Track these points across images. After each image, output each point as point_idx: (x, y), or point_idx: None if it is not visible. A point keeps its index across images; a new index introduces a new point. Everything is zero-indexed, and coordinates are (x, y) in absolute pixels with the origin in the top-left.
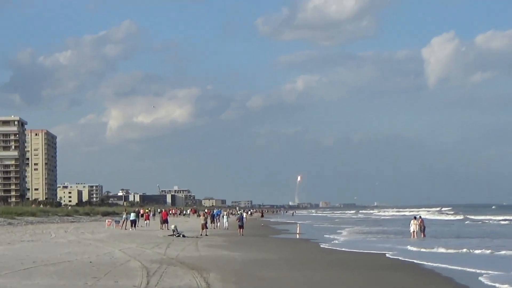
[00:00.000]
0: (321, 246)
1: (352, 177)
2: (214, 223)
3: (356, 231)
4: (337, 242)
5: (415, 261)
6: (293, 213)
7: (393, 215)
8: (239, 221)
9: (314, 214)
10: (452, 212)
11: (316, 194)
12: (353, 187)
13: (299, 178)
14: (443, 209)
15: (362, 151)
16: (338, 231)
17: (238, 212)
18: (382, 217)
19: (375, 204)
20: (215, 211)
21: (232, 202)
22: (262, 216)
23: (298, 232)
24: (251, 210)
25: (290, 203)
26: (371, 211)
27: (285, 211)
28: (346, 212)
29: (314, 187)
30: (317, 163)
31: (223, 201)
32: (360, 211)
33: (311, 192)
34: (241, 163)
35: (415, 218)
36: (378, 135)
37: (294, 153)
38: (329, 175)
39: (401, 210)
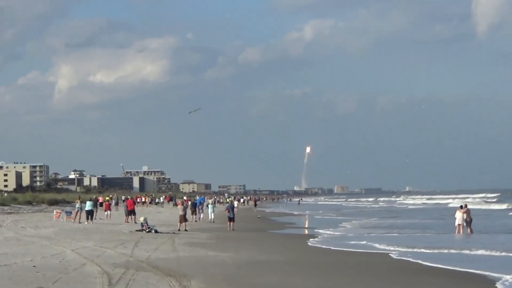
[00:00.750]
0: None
1: (377, 153)
2: (196, 214)
3: (361, 225)
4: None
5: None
6: (299, 201)
7: (424, 203)
8: (228, 212)
9: (322, 202)
10: (495, 200)
11: (330, 176)
12: (378, 167)
13: (308, 150)
14: (489, 195)
15: (390, 120)
16: (340, 224)
17: (228, 200)
18: (410, 206)
19: (407, 189)
20: (197, 198)
21: (220, 187)
22: (256, 205)
23: (306, 226)
24: (245, 198)
25: (296, 188)
26: (397, 199)
27: (288, 199)
28: (365, 199)
29: (328, 167)
30: (331, 135)
31: (208, 186)
32: (383, 199)
33: (323, 174)
34: (232, 137)
35: (461, 207)
36: (411, 99)
37: (301, 122)
38: (347, 151)
39: (435, 197)
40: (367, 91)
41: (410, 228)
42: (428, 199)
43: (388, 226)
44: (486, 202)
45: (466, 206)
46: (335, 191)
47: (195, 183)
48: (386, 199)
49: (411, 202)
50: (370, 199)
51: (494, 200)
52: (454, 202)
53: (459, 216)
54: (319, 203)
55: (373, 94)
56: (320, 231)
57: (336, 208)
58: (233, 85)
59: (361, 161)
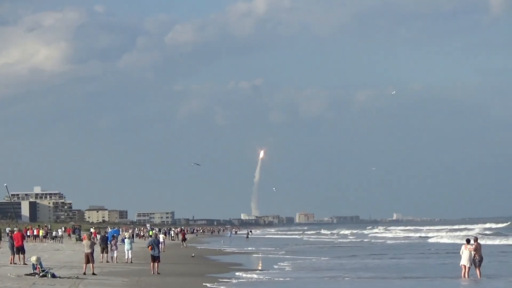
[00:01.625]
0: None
1: (356, 170)
2: (107, 252)
3: (304, 266)
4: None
5: None
6: (248, 233)
7: (407, 236)
8: (151, 249)
9: (273, 235)
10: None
11: (291, 200)
12: (357, 188)
13: (261, 155)
14: (500, 225)
15: (372, 124)
16: (276, 265)
17: (150, 233)
18: (389, 241)
19: (394, 217)
20: (109, 231)
21: (139, 215)
22: (184, 239)
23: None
24: (174, 230)
25: (243, 217)
26: (372, 231)
27: (233, 231)
28: (331, 232)
29: (287, 188)
30: (292, 145)
31: (123, 214)
32: (355, 231)
33: (281, 197)
34: (156, 147)
35: (468, 242)
36: (401, 94)
37: (250, 127)
38: (314, 167)
39: (427, 228)
40: (340, 85)
41: (376, 270)
42: (415, 231)
43: (341, 267)
44: (497, 234)
45: (476, 240)
46: (297, 220)
47: (106, 210)
48: (359, 231)
49: (390, 235)
50: (337, 232)
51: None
52: (446, 235)
53: (465, 255)
54: (268, 236)
55: (348, 88)
56: (241, 274)
57: (286, 243)
58: (158, 76)
59: (332, 180)
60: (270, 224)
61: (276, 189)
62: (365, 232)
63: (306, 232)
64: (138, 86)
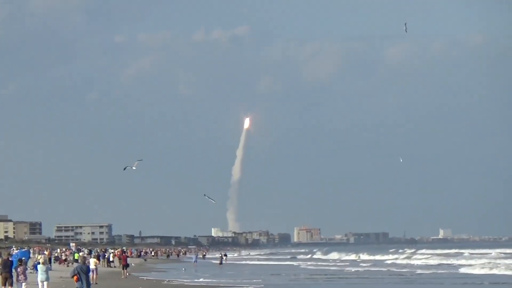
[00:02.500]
0: None
1: (383, 163)
2: (10, 284)
3: None
4: None
5: None
6: (221, 258)
7: (449, 264)
8: (78, 280)
9: (256, 261)
10: None
11: (287, 209)
12: (386, 191)
13: (246, 124)
14: None
15: (410, 90)
16: None
17: (76, 256)
18: (419, 271)
19: (441, 235)
20: (14, 252)
21: (60, 229)
22: (126, 265)
23: None
24: (112, 251)
25: (216, 233)
26: (400, 257)
27: (200, 254)
28: (339, 256)
29: (282, 191)
30: (290, 120)
31: (35, 227)
32: (370, 258)
33: (272, 204)
34: (85, 127)
35: None
36: (457, 49)
37: (229, 95)
38: (322, 158)
39: (487, 250)
40: (360, 37)
41: None
42: (464, 258)
43: None
44: None
45: None
46: (295, 238)
47: (10, 221)
48: (377, 258)
49: (419, 262)
50: (347, 257)
51: None
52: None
53: None
54: (250, 262)
55: (372, 42)
56: None
57: (277, 271)
58: (90, 22)
59: (348, 179)
60: (255, 244)
61: (259, 195)
62: (385, 257)
63: (300, 257)
64: (60, 35)
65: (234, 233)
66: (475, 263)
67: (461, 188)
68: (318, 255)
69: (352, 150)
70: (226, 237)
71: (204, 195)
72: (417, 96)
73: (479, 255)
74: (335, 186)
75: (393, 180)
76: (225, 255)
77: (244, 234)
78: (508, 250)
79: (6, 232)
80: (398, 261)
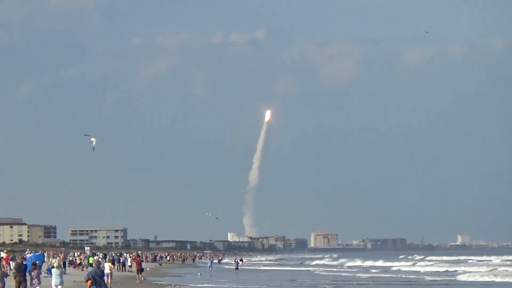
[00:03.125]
0: None
1: (403, 168)
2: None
3: None
4: None
5: None
6: (237, 263)
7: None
8: (92, 285)
9: (271, 266)
10: None
11: (304, 214)
12: (404, 197)
13: (267, 116)
14: None
15: (432, 94)
16: None
17: (91, 260)
18: (427, 277)
19: (459, 241)
20: (28, 256)
21: (74, 233)
22: (141, 270)
23: None
24: (127, 255)
25: (232, 238)
26: (413, 262)
27: (216, 259)
28: (353, 262)
29: (300, 196)
30: (309, 123)
31: (51, 231)
32: (382, 264)
33: (289, 209)
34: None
35: None
36: (478, 53)
37: (246, 97)
38: (340, 162)
39: (505, 257)
40: (381, 39)
41: None
42: (477, 265)
43: None
44: None
45: None
46: (312, 243)
47: (25, 224)
48: (388, 264)
49: (431, 269)
50: (359, 263)
51: None
52: None
53: None
54: (266, 267)
55: (393, 44)
56: None
57: (292, 277)
58: (106, 23)
59: (366, 184)
60: (271, 249)
61: (276, 200)
62: (395, 264)
63: (315, 261)
64: (76, 37)
65: (250, 238)
66: (477, 270)
67: (479, 194)
68: (326, 260)
69: (370, 154)
70: (242, 242)
71: (204, 213)
72: (437, 99)
73: (484, 262)
74: (353, 191)
75: (411, 185)
76: (241, 260)
77: (260, 239)
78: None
79: (20, 235)
80: (404, 268)
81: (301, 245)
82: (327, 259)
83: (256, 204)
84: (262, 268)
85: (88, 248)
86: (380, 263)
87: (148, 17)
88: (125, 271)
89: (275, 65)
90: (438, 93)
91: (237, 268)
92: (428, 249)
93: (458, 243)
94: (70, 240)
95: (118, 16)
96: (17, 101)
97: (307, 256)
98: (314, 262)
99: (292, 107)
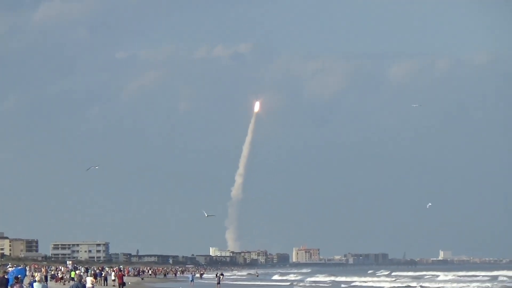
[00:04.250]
0: None
1: (386, 184)
2: None
3: None
4: None
5: None
6: (219, 278)
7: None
8: None
9: (250, 281)
10: None
11: (286, 229)
12: (387, 212)
13: (256, 107)
14: None
15: (416, 108)
16: None
17: (73, 274)
18: None
19: (441, 256)
20: (10, 270)
21: (56, 247)
22: (123, 284)
23: None
24: (108, 270)
25: (213, 253)
26: (366, 280)
27: (198, 273)
28: (330, 278)
29: (282, 211)
30: (293, 138)
31: (32, 245)
32: (359, 280)
33: (272, 224)
34: (84, 142)
35: None
36: (461, 67)
37: (230, 112)
38: (323, 177)
39: (484, 273)
40: (367, 54)
41: None
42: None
43: None
44: None
45: None
46: (293, 258)
47: (6, 238)
48: (349, 279)
49: (393, 284)
50: (320, 278)
51: None
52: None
53: None
54: (245, 282)
55: (379, 59)
56: None
57: None
58: (92, 37)
59: (349, 199)
60: (253, 264)
61: (259, 214)
62: (355, 279)
63: (292, 278)
64: (61, 51)
65: (232, 252)
66: (434, 286)
67: (461, 209)
68: (291, 276)
69: (353, 169)
70: (224, 256)
71: (206, 215)
72: (421, 114)
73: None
74: (335, 205)
75: (393, 200)
76: (221, 274)
77: (242, 254)
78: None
79: (2, 249)
80: (363, 284)
81: (283, 259)
82: (294, 275)
83: (239, 218)
84: (243, 283)
85: (70, 262)
86: (341, 278)
87: (133, 31)
88: (107, 285)
89: (260, 79)
90: (423, 108)
91: (219, 283)
92: (410, 264)
93: (440, 258)
94: (52, 254)
95: (103, 30)
96: (1, 114)
97: (283, 271)
98: (274, 277)
99: (276, 121)
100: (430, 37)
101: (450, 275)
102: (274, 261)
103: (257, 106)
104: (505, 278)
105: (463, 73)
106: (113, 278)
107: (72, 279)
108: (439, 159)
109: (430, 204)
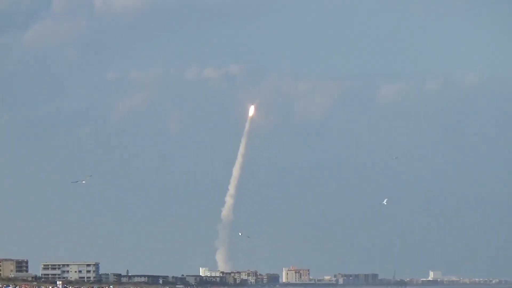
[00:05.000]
0: None
1: (376, 204)
2: None
3: None
4: None
5: None
6: None
7: None
8: None
9: None
10: None
11: (277, 249)
12: (377, 233)
13: (251, 112)
14: None
15: (405, 128)
16: None
17: None
18: None
19: (431, 276)
20: None
21: (46, 266)
22: None
23: None
24: None
25: (204, 273)
26: None
27: None
28: None
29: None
30: (283, 159)
31: (22, 265)
32: None
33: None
34: (73, 162)
35: None
36: (452, 88)
37: (221, 132)
38: (313, 198)
39: None
40: (357, 75)
41: None
42: None
43: None
44: None
45: None
46: (283, 278)
47: None
48: None
49: None
50: None
51: None
52: None
53: None
54: None
55: (368, 80)
56: None
57: None
58: (82, 57)
59: (339, 220)
60: (243, 284)
61: (249, 235)
62: None
63: None
64: (52, 71)
65: (222, 273)
66: None
67: (451, 230)
68: None
69: (344, 189)
70: (214, 276)
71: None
72: (412, 134)
73: None
74: (325, 226)
75: (383, 221)
76: None
77: (232, 274)
78: None
79: None
80: None
81: (273, 280)
82: None
83: (230, 239)
84: None
85: (60, 282)
86: None
87: (123, 52)
88: None
89: (249, 100)
90: (413, 128)
91: None
92: (400, 285)
93: (430, 278)
94: (42, 275)
95: (93, 51)
96: None
97: None
98: None
99: (267, 142)
100: (420, 58)
101: None
102: (264, 281)
103: (247, 125)
104: None
105: (453, 94)
106: None
107: None
108: (429, 179)
109: (386, 199)
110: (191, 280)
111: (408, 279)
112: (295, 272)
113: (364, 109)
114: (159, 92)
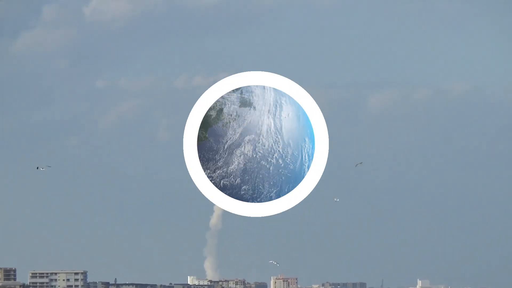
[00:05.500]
0: None
1: (364, 213)
2: None
3: None
4: None
5: None
6: None
7: None
8: None
9: None
10: None
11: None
12: (365, 242)
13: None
14: None
15: (393, 136)
16: None
17: None
18: None
19: (419, 285)
20: None
21: (34, 275)
22: None
23: None
24: None
25: (192, 281)
26: None
27: None
28: None
29: (259, 239)
30: None
31: (10, 273)
32: None
33: (250, 252)
34: (63, 171)
35: None
36: (440, 97)
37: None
38: (300, 205)
39: None
40: (346, 84)
41: None
42: None
43: None
44: None
45: None
46: (271, 287)
47: None
48: None
49: None
50: None
51: None
52: None
53: None
54: None
55: (358, 89)
56: None
57: None
58: (72, 66)
59: (327, 229)
60: None
61: (238, 243)
62: None
63: None
64: (41, 80)
65: (210, 281)
66: None
67: (439, 238)
68: None
69: (331, 198)
70: (202, 285)
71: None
72: (401, 143)
73: None
74: (313, 234)
75: (371, 229)
76: None
77: (220, 283)
78: None
79: None
80: None
81: None
82: None
83: (218, 247)
84: None
85: None
86: None
87: (112, 61)
88: None
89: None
90: (402, 137)
91: None
92: None
93: (418, 287)
94: (30, 283)
95: (83, 60)
96: None
97: None
98: None
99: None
100: (409, 67)
101: None
102: None
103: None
104: None
105: (442, 102)
106: None
107: None
108: (418, 188)
109: (337, 199)
110: None
111: (392, 287)
112: (283, 281)
113: (354, 118)
114: (148, 101)
